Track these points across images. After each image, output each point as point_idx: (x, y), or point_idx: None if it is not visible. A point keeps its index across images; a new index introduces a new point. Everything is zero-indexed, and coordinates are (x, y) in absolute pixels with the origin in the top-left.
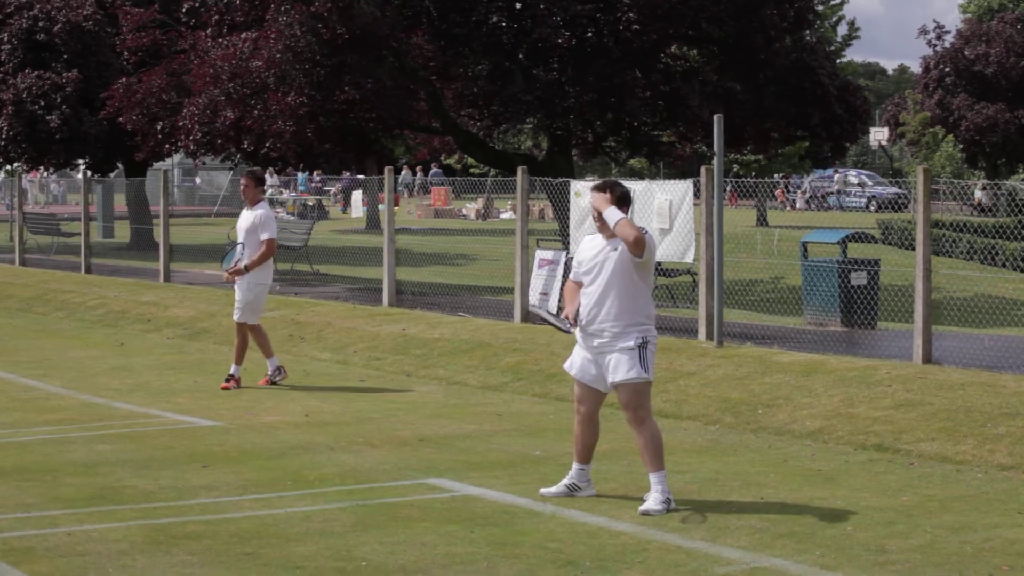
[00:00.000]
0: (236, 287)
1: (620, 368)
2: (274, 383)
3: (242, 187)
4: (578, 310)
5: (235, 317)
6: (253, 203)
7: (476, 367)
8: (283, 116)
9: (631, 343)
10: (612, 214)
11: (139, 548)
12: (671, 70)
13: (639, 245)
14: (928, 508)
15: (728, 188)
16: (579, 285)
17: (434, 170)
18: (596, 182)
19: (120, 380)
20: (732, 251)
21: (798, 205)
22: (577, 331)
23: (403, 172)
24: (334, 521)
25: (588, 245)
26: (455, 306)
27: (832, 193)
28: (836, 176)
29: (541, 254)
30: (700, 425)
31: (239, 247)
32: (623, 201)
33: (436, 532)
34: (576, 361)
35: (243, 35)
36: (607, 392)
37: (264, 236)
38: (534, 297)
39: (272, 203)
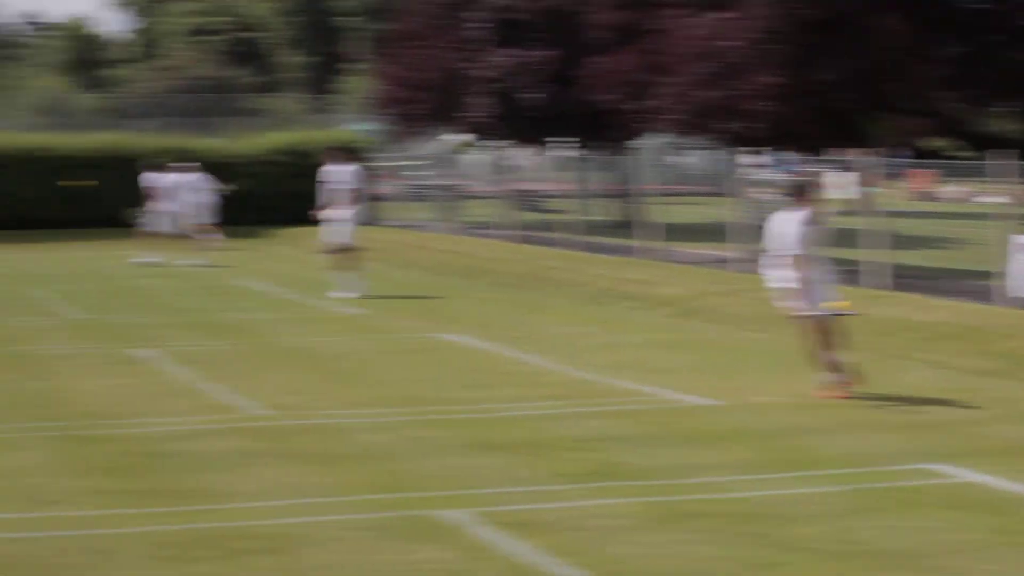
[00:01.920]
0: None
1: None
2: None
3: None
4: None
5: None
6: None
7: (968, 352)
8: (759, 96)
9: None
10: None
11: (640, 525)
12: None
13: None
14: None
15: None
16: None
17: (902, 154)
18: None
19: (610, 357)
20: None
21: None
22: None
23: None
24: (831, 503)
25: None
26: (942, 290)
27: None
28: None
29: (1019, 239)
30: None
31: None
32: None
33: (936, 518)
34: None
35: (713, 16)
36: None
37: None
38: (1018, 281)
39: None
